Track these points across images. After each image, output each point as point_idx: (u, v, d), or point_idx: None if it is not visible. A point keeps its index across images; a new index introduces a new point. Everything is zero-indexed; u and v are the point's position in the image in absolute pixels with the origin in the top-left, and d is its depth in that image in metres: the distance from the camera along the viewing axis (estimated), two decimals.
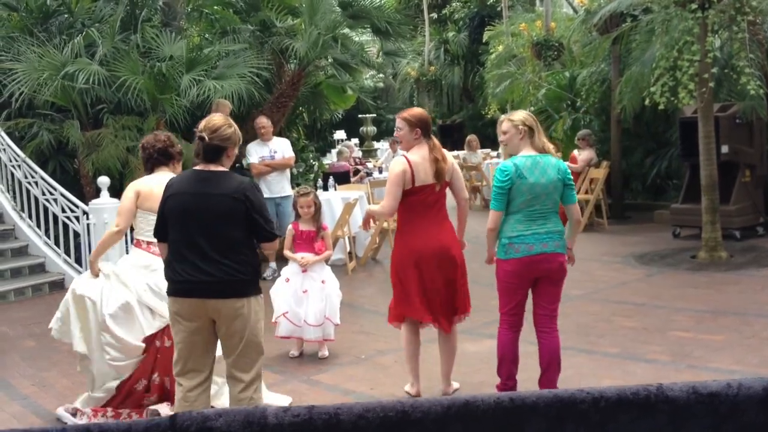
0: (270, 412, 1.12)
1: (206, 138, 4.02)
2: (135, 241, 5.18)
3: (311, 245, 6.52)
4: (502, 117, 5.22)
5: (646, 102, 9.18)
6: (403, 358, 5.42)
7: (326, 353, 6.38)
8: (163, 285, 4.25)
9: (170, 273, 4.05)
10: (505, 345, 5.02)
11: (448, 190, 5.20)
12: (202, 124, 4.10)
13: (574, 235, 5.10)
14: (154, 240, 4.49)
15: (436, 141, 5.11)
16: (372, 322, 7.36)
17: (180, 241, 4.01)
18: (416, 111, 5.20)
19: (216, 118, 4.16)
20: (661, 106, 8.75)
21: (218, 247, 3.97)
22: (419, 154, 5.00)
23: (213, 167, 4.05)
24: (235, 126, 4.17)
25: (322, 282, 6.42)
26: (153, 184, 4.93)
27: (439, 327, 5.19)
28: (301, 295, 6.34)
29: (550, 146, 4.98)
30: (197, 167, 4.09)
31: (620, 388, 1.13)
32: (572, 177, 5.01)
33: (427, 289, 5.06)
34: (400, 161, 5.00)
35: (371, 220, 5.54)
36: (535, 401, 1.07)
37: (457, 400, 1.12)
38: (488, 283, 8.76)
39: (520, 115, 4.98)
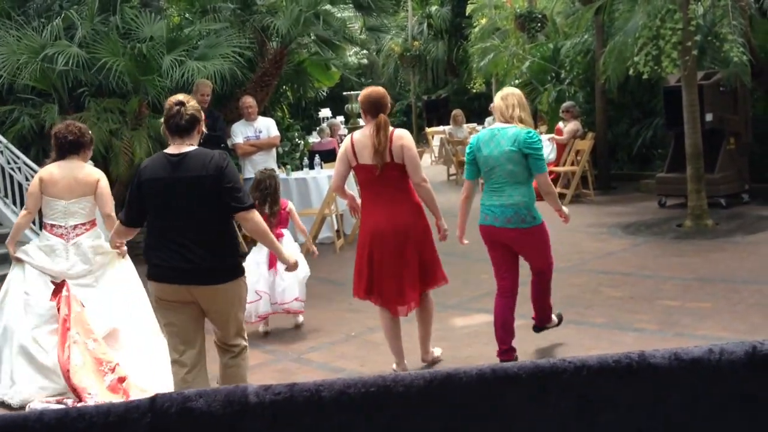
0: (251, 390, 1.11)
1: (176, 111, 4.00)
2: (43, 225, 5.54)
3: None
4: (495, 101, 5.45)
5: (630, 72, 9.18)
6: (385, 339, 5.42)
7: (301, 319, 6.65)
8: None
9: (153, 258, 4.02)
10: (496, 310, 5.27)
11: None
12: (172, 99, 4.10)
13: (552, 203, 5.24)
14: (57, 223, 5.25)
15: (381, 120, 4.93)
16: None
17: (161, 226, 3.99)
18: (365, 91, 5.16)
19: (180, 96, 4.15)
20: (645, 76, 8.75)
21: (200, 232, 3.95)
22: (363, 134, 5.01)
23: (185, 147, 4.00)
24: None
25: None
26: (56, 172, 5.36)
27: (393, 310, 5.21)
28: (272, 277, 6.34)
29: (525, 120, 5.03)
30: (168, 150, 4.04)
31: (602, 357, 1.13)
32: (541, 146, 5.06)
33: (375, 269, 5.09)
34: (346, 140, 5.18)
35: (354, 206, 5.48)
36: (516, 372, 1.07)
37: (438, 373, 1.12)
38: (479, 257, 8.81)
39: (498, 94, 5.25)
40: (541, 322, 5.60)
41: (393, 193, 5.01)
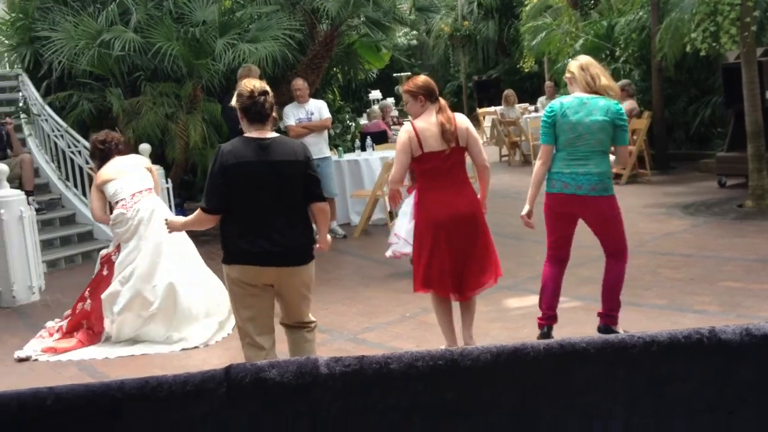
0: (322, 362, 1.13)
1: (263, 101, 4.05)
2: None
3: None
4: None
5: (687, 49, 8.99)
6: (438, 325, 5.36)
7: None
8: None
9: (240, 242, 4.04)
10: (546, 276, 5.26)
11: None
12: (248, 88, 4.09)
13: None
14: None
15: (443, 104, 4.98)
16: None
17: (248, 211, 4.02)
18: (418, 80, 5.09)
19: (257, 83, 4.18)
20: (703, 53, 8.56)
21: (288, 215, 4.09)
22: (426, 120, 4.91)
23: (267, 133, 4.10)
24: None
25: None
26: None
27: (457, 298, 5.15)
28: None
29: (613, 88, 5.06)
30: (250, 134, 4.08)
31: (672, 332, 1.12)
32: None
33: (444, 259, 4.96)
34: (405, 129, 4.98)
35: (396, 196, 5.45)
36: (585, 347, 1.07)
37: (506, 347, 1.13)
38: (534, 238, 8.76)
39: (571, 62, 5.15)
40: (611, 321, 5.28)
41: (458, 180, 4.98)
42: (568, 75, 5.07)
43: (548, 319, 5.27)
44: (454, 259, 4.96)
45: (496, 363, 1.07)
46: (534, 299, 6.58)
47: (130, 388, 1.07)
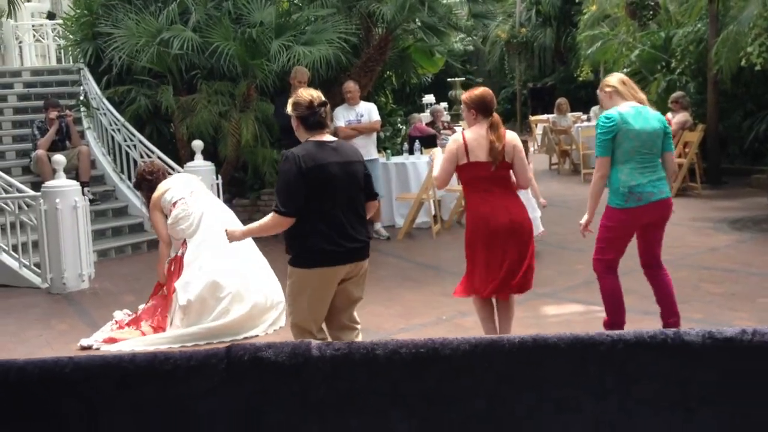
0: (314, 345, 1.22)
1: (322, 112, 4.23)
2: None
3: None
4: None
5: (743, 63, 8.86)
6: (481, 328, 5.44)
7: None
8: None
9: (322, 243, 4.14)
10: (617, 286, 5.27)
11: None
12: (307, 98, 4.24)
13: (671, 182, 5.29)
14: None
15: (497, 120, 5.09)
16: (454, 283, 7.26)
17: (325, 211, 4.15)
18: (475, 92, 5.19)
19: (315, 93, 4.34)
20: (758, 67, 8.43)
21: (357, 212, 4.28)
22: (476, 132, 5.04)
23: (327, 137, 4.29)
24: None
25: None
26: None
27: (500, 296, 5.24)
28: None
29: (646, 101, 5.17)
30: (317, 138, 4.23)
31: (638, 331, 1.18)
32: None
33: (492, 263, 5.06)
34: (455, 138, 5.16)
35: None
36: (556, 342, 1.14)
37: (484, 339, 1.20)
38: (576, 248, 8.77)
39: (606, 79, 5.22)
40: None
41: (504, 190, 5.11)
42: (608, 89, 5.08)
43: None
44: (498, 266, 5.04)
45: (474, 353, 1.15)
46: (571, 307, 6.62)
47: (140, 361, 1.18)
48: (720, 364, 1.11)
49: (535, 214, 7.16)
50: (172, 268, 6.24)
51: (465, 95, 5.22)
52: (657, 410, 1.12)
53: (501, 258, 5.04)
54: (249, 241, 6.37)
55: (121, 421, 1.19)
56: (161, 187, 6.28)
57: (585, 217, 5.23)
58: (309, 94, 4.30)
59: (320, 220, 4.13)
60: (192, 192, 6.27)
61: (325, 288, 4.28)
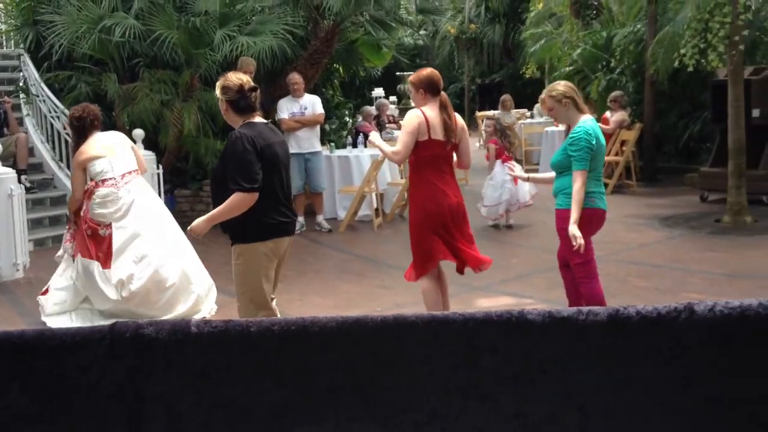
0: (193, 323, 1.30)
1: (251, 96, 4.36)
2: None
3: None
4: (543, 95, 5.40)
5: (676, 64, 9.13)
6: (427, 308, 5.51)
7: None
8: None
9: (273, 216, 4.35)
10: (601, 289, 5.30)
11: None
12: (237, 82, 4.34)
13: None
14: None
15: (446, 100, 5.23)
16: (392, 276, 7.53)
17: (273, 187, 4.33)
18: (423, 72, 5.29)
19: (245, 77, 4.45)
20: (690, 69, 8.70)
21: (289, 189, 4.56)
22: (433, 110, 5.14)
23: (260, 119, 4.47)
24: None
25: None
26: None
27: (463, 265, 5.39)
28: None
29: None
30: (257, 119, 4.41)
31: (487, 312, 1.29)
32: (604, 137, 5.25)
33: (449, 241, 5.22)
34: (415, 113, 5.13)
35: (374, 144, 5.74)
36: (414, 320, 1.24)
37: (349, 318, 1.30)
38: (511, 241, 8.96)
39: (559, 87, 5.14)
40: None
41: (451, 171, 5.28)
42: (565, 101, 5.00)
43: None
44: (458, 241, 5.24)
45: (340, 330, 1.24)
46: (504, 300, 6.78)
47: (29, 336, 1.25)
48: (557, 340, 1.22)
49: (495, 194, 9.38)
50: (88, 233, 6.04)
51: (413, 76, 5.30)
52: (500, 380, 1.23)
53: (457, 234, 5.23)
54: (174, 226, 6.41)
55: (13, 394, 1.25)
56: (91, 149, 6.03)
57: (573, 228, 4.96)
58: (238, 78, 4.39)
59: (269, 195, 4.28)
60: (124, 175, 6.07)
61: (275, 260, 4.46)
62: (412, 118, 5.11)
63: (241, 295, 4.53)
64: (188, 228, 4.49)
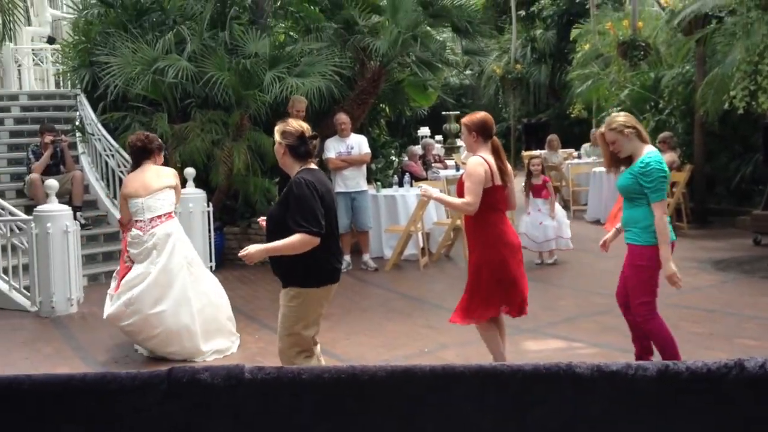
0: (247, 369, 1.34)
1: (311, 144, 4.48)
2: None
3: None
4: (599, 131, 5.33)
5: (726, 105, 9.04)
6: (495, 354, 5.44)
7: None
8: None
9: (330, 261, 4.46)
10: (666, 326, 5.20)
11: None
12: (298, 129, 4.47)
13: None
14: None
15: (498, 145, 5.31)
16: (438, 316, 7.50)
17: (332, 232, 4.45)
18: (477, 116, 5.35)
19: (305, 125, 4.58)
20: (740, 111, 8.61)
21: (338, 236, 4.67)
22: (488, 156, 5.20)
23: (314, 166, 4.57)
24: None
25: None
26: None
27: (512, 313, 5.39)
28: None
29: None
30: (313, 166, 4.51)
31: (535, 364, 1.30)
32: None
33: (517, 280, 5.26)
34: (479, 161, 5.13)
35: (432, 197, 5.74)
36: (462, 370, 1.25)
37: (399, 367, 1.32)
38: (559, 283, 8.88)
39: (619, 119, 5.09)
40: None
41: (506, 213, 5.39)
42: (628, 131, 4.94)
43: None
44: (518, 278, 5.28)
45: (390, 379, 1.26)
46: (553, 343, 6.70)
47: (91, 379, 1.29)
48: (606, 394, 1.22)
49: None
50: (126, 263, 6.36)
51: (466, 119, 5.34)
52: None
53: (521, 274, 5.28)
54: (198, 270, 6.48)
55: None
56: (131, 184, 6.31)
57: (670, 267, 4.96)
58: (299, 124, 4.50)
59: (326, 241, 4.36)
60: (152, 219, 6.23)
61: (325, 305, 4.56)
62: (478, 167, 5.11)
63: (286, 336, 4.55)
64: (243, 251, 4.44)
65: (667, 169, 5.00)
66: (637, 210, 4.99)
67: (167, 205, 6.35)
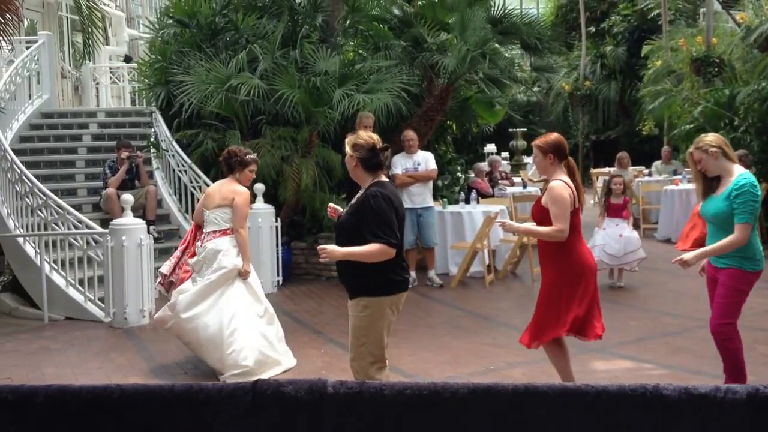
0: (330, 383, 1.36)
1: (382, 155, 4.53)
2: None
3: None
4: (690, 149, 5.27)
5: None
6: (559, 375, 5.40)
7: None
8: None
9: (403, 272, 4.58)
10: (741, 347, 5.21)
11: None
12: (369, 141, 4.50)
13: None
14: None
15: (573, 166, 5.28)
16: (504, 334, 7.46)
17: (400, 244, 4.50)
18: (551, 137, 5.30)
19: (376, 136, 4.60)
20: None
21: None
22: (567, 178, 5.16)
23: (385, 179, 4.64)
24: None
25: None
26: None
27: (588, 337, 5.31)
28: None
29: None
30: (384, 178, 4.58)
31: (621, 385, 1.28)
32: None
33: (595, 301, 5.24)
34: (563, 185, 5.08)
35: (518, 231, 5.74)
36: (546, 391, 1.24)
37: (480, 384, 1.32)
38: (628, 303, 8.71)
39: (707, 138, 5.09)
40: None
41: None
42: (713, 150, 4.93)
43: None
44: (595, 301, 5.25)
45: (473, 396, 1.26)
46: (621, 363, 6.58)
47: (179, 390, 1.33)
48: (695, 416, 1.20)
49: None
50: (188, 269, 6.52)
51: (540, 140, 5.26)
52: None
53: (597, 296, 5.25)
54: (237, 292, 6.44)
55: None
56: (207, 193, 6.57)
57: (693, 258, 4.99)
58: (369, 136, 4.55)
59: (398, 252, 4.44)
60: (209, 233, 6.38)
61: (396, 314, 4.60)
62: (563, 192, 5.05)
63: (360, 346, 4.59)
64: (323, 246, 4.45)
65: (760, 192, 4.89)
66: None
67: (223, 222, 6.38)
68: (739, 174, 4.92)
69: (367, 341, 4.54)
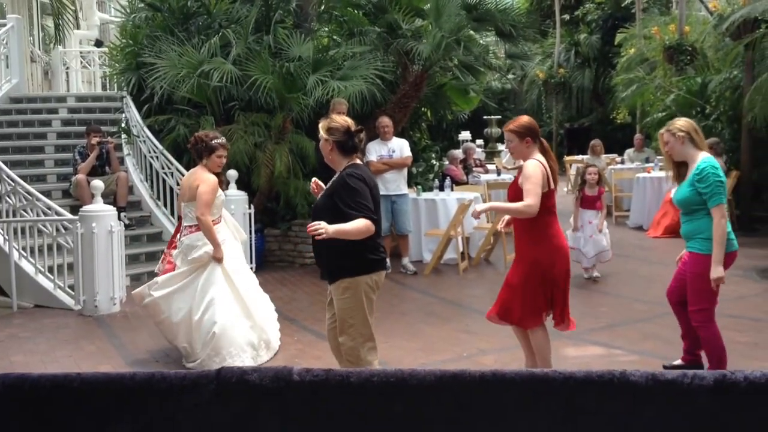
0: (295, 371, 1.34)
1: (358, 137, 4.55)
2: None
3: None
4: (662, 131, 5.30)
5: None
6: (545, 359, 5.34)
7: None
8: None
9: (380, 250, 4.58)
10: (720, 336, 5.24)
11: None
12: (344, 124, 4.51)
13: None
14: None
15: (547, 146, 5.23)
16: (477, 321, 7.45)
17: (378, 224, 4.50)
18: (522, 120, 5.22)
19: (350, 120, 4.61)
20: None
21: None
22: (542, 158, 5.06)
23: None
24: None
25: None
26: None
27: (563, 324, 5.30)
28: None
29: None
30: (358, 162, 4.58)
31: (588, 371, 1.27)
32: None
33: (566, 290, 5.21)
34: (536, 164, 4.99)
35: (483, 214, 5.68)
36: (513, 377, 1.23)
37: (448, 371, 1.30)
38: (600, 290, 8.77)
39: (678, 123, 5.14)
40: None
41: None
42: (681, 134, 4.97)
43: None
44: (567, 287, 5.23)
45: (439, 383, 1.25)
46: (593, 350, 6.62)
47: (140, 378, 1.30)
48: (662, 403, 1.20)
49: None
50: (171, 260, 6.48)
51: (513, 125, 5.15)
52: None
53: (568, 283, 5.20)
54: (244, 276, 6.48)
55: None
56: (185, 189, 6.31)
57: (719, 270, 4.97)
58: (344, 119, 4.55)
59: (377, 232, 4.46)
60: (188, 227, 6.30)
61: (377, 292, 4.62)
62: (536, 169, 4.96)
63: (349, 328, 4.59)
64: (315, 224, 4.27)
65: (723, 174, 4.95)
66: (699, 221, 4.99)
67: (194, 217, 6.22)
68: (701, 159, 4.95)
69: (354, 322, 4.56)
